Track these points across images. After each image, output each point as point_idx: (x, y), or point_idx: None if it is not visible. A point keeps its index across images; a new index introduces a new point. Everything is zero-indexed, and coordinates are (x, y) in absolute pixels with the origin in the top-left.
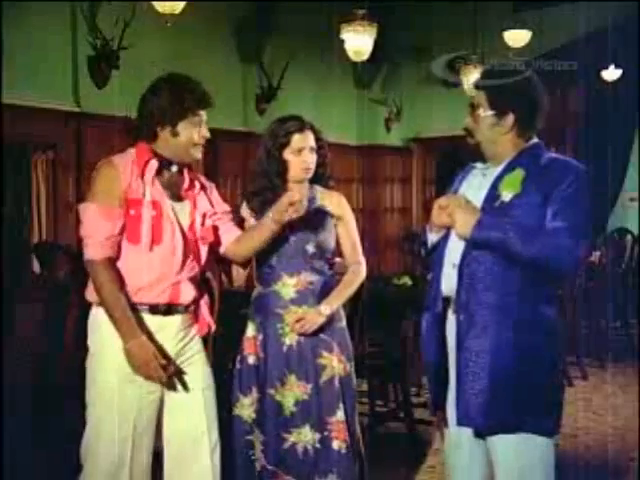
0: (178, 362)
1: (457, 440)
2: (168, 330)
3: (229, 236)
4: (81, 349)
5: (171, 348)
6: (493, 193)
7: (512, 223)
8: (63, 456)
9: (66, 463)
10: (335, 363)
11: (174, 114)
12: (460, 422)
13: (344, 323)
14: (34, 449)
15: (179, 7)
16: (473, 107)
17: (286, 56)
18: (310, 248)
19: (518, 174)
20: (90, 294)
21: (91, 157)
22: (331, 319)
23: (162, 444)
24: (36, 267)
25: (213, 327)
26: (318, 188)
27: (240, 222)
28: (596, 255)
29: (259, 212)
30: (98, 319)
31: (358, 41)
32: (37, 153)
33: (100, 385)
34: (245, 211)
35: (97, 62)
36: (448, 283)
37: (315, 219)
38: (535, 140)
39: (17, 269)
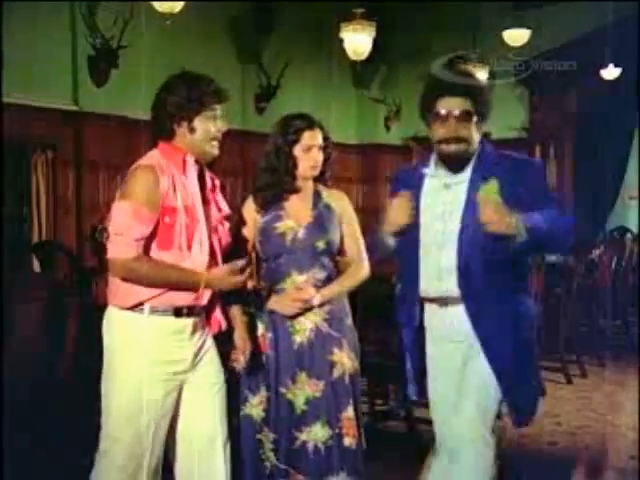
0: (196, 361)
1: (446, 435)
2: (188, 331)
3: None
4: (81, 349)
5: (190, 348)
6: (474, 207)
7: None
8: (63, 456)
9: (66, 463)
10: (345, 360)
11: (191, 109)
12: None
13: (351, 320)
14: (34, 449)
15: (178, 6)
16: (466, 114)
17: (285, 55)
18: (320, 245)
19: (493, 186)
20: (117, 299)
21: (91, 156)
22: (340, 315)
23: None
24: (36, 267)
25: (224, 325)
26: (321, 187)
27: (239, 223)
28: (596, 253)
29: (263, 208)
30: (116, 321)
31: (357, 40)
32: (37, 153)
33: (120, 386)
34: (249, 207)
35: (96, 61)
36: (430, 285)
37: (324, 217)
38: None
39: (17, 269)
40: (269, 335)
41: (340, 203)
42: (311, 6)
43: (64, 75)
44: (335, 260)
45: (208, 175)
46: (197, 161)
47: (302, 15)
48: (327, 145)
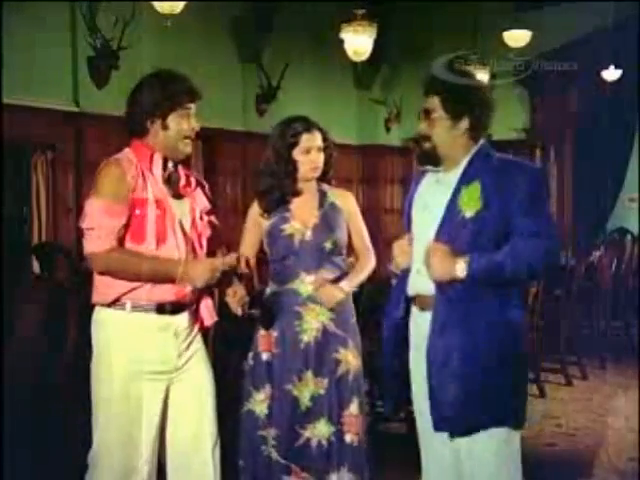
0: (183, 360)
1: (429, 442)
2: (174, 329)
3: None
4: (81, 350)
5: (177, 346)
6: (454, 209)
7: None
8: (63, 456)
9: (66, 463)
10: (350, 358)
11: (164, 106)
12: (437, 427)
13: (355, 319)
14: (34, 449)
15: (178, 7)
16: (427, 112)
17: (286, 56)
18: (328, 245)
19: (475, 189)
20: (99, 296)
21: (91, 157)
22: (345, 315)
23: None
24: (36, 267)
25: (213, 318)
26: (326, 186)
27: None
28: (596, 255)
29: (268, 211)
30: (102, 319)
31: (357, 41)
32: (37, 153)
33: (107, 386)
34: (254, 211)
35: (97, 62)
36: (414, 285)
37: (330, 216)
38: (482, 141)
39: (17, 269)
40: (275, 334)
41: (345, 200)
42: (311, 6)
43: (64, 76)
44: (344, 260)
45: (183, 172)
46: (167, 158)
47: (303, 16)
48: (327, 145)
